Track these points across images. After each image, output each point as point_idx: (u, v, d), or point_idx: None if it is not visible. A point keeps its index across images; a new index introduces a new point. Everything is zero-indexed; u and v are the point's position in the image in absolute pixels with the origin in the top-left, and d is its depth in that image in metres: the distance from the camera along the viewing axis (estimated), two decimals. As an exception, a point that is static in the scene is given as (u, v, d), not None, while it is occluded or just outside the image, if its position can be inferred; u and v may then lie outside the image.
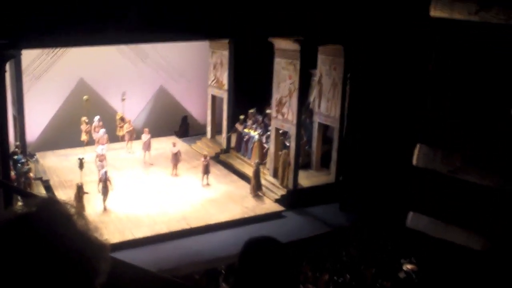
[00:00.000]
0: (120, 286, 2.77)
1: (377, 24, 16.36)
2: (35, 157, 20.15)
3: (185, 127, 24.50)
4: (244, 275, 2.42)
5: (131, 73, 22.87)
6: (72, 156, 20.11)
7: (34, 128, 21.02)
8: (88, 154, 20.06)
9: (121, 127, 21.82)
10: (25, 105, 19.57)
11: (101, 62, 21.78)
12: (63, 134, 21.46)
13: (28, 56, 19.83)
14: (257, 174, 18.50)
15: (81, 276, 1.60)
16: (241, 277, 2.43)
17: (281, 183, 18.66)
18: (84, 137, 21.25)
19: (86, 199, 16.69)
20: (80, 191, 16.56)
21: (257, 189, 18.51)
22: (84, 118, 21.08)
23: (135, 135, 21.68)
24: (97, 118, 21.02)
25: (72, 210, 1.71)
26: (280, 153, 18.95)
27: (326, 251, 14.88)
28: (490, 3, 12.56)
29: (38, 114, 20.90)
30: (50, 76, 21.23)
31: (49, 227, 1.60)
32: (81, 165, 17.45)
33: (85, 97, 21.37)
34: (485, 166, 13.11)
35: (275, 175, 19.08)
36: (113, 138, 21.62)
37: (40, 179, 18.37)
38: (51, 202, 1.72)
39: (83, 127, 21.17)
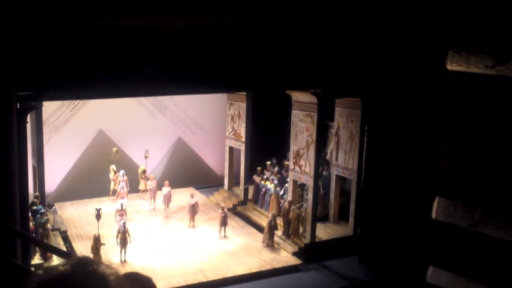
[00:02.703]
0: None
1: (394, 77, 16.46)
2: (53, 207, 20.23)
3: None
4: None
5: (149, 124, 23.11)
6: (90, 207, 20.19)
7: (53, 178, 21.14)
8: (105, 204, 20.15)
9: (144, 180, 21.89)
10: (45, 156, 19.78)
11: (120, 113, 22.08)
12: (81, 185, 21.61)
13: (49, 107, 20.18)
14: (271, 225, 18.36)
15: None
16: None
17: (293, 237, 18.45)
18: (113, 186, 21.37)
19: (103, 250, 16.65)
20: (97, 243, 16.52)
21: (269, 239, 18.35)
22: (112, 167, 21.27)
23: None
24: (121, 172, 21.09)
25: (108, 271, 1.69)
26: (287, 206, 18.80)
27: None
28: (507, 57, 12.62)
29: (57, 165, 21.06)
30: (70, 127, 21.51)
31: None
32: (98, 215, 17.48)
33: (114, 149, 21.70)
34: (506, 220, 12.91)
35: (286, 228, 18.83)
36: (134, 190, 21.72)
37: (58, 229, 18.39)
38: (86, 262, 1.71)
39: (111, 175, 21.31)
